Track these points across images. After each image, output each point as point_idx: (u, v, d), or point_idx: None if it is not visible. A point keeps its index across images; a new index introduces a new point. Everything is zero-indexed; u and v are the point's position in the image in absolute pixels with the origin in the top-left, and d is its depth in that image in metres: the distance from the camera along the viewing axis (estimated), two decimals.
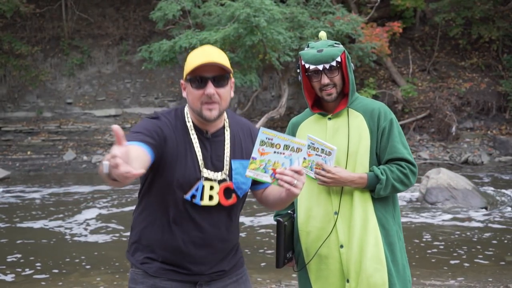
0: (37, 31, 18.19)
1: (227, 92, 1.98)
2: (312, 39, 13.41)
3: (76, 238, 7.35)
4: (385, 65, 17.05)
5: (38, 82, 17.35)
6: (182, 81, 2.02)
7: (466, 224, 7.87)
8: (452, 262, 6.05)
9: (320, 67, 2.34)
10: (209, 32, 13.23)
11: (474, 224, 7.89)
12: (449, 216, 8.33)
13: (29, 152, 16.09)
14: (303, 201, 2.46)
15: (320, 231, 2.39)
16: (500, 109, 16.76)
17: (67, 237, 7.45)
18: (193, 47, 12.90)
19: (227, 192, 2.01)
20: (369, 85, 15.84)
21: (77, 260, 6.25)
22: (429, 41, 18.49)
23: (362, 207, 2.35)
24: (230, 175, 2.02)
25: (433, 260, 6.11)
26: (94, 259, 6.29)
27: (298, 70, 2.50)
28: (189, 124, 2.03)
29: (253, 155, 1.84)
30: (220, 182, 2.00)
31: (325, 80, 2.36)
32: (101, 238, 7.35)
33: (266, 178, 1.85)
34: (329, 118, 2.44)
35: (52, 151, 16.22)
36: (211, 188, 1.98)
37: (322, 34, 2.52)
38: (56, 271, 5.85)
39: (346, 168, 2.37)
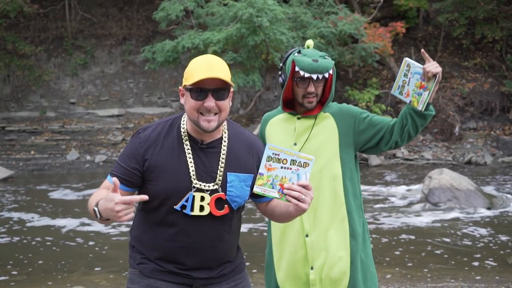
0: (40, 31, 18.18)
1: (227, 103, 1.97)
2: (315, 39, 13.41)
3: (77, 237, 7.38)
4: (388, 65, 17.02)
5: (41, 82, 17.32)
6: (180, 88, 2.02)
7: (468, 225, 7.86)
8: (454, 263, 6.04)
9: (314, 76, 2.44)
10: (212, 32, 13.23)
11: (476, 225, 7.86)
12: (451, 217, 8.31)
13: (32, 152, 16.10)
14: None
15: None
16: (504, 109, 16.71)
17: (69, 235, 7.47)
18: (195, 47, 12.92)
19: (219, 203, 2.00)
20: (372, 85, 15.81)
21: (79, 259, 6.26)
22: (432, 41, 18.45)
23: (331, 197, 2.49)
24: (223, 186, 2.00)
25: (435, 261, 6.10)
26: (96, 258, 6.30)
27: (280, 72, 2.59)
28: (184, 133, 2.02)
29: (260, 170, 1.87)
30: (211, 193, 1.99)
31: (311, 88, 2.46)
32: (102, 237, 7.38)
33: (274, 193, 1.86)
34: (298, 118, 2.57)
35: (55, 150, 16.25)
36: (202, 199, 1.98)
37: (310, 42, 2.59)
38: (58, 269, 5.86)
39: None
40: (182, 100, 2.02)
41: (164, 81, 18.05)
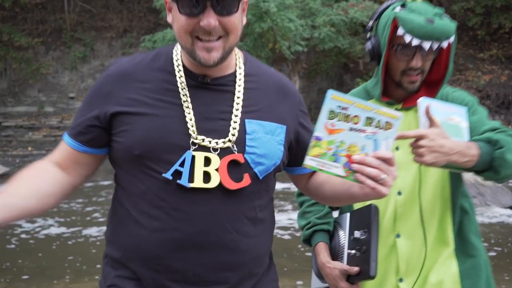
0: (38, 23, 17.91)
1: (238, 20, 1.26)
2: (325, 27, 12.84)
3: (64, 242, 6.91)
4: None
5: (39, 75, 17.07)
6: None
7: (495, 222, 7.43)
8: None
9: (427, 44, 1.67)
10: None
11: (504, 222, 7.46)
12: (477, 214, 7.74)
13: (29, 148, 15.79)
14: None
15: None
16: None
17: (55, 240, 7.00)
18: None
19: (235, 169, 1.27)
20: None
21: (66, 265, 5.78)
22: None
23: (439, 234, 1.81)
24: (239, 143, 1.28)
25: None
26: (83, 264, 5.81)
27: (369, 35, 1.80)
28: (177, 66, 1.32)
29: (316, 133, 1.19)
30: (222, 154, 1.27)
31: (418, 62, 1.71)
32: (90, 242, 6.89)
33: (336, 170, 1.20)
34: (397, 109, 1.77)
35: (53, 147, 15.57)
36: (207, 162, 1.26)
37: None
38: (42, 277, 5.40)
39: (420, 175, 1.74)
40: (169, 18, 1.31)
41: None
